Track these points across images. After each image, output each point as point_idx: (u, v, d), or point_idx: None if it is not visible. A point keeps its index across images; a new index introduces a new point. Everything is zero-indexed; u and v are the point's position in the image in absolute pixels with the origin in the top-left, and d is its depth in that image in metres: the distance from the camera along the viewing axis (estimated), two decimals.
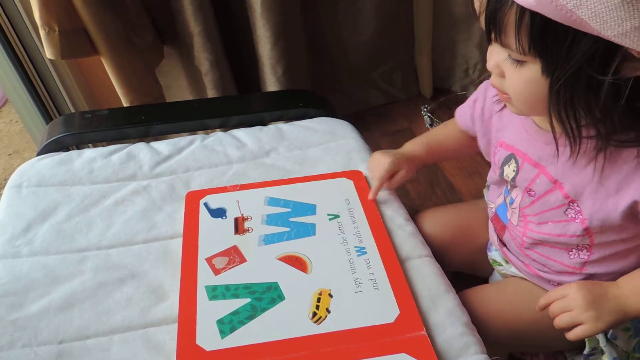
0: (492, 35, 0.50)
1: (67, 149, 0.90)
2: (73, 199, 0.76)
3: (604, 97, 0.47)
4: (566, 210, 0.59)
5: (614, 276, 0.60)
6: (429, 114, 1.44)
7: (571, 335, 0.57)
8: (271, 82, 1.24)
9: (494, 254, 0.75)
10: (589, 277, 0.62)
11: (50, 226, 0.71)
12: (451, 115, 0.79)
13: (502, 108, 0.65)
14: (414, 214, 0.79)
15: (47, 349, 0.57)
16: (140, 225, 0.72)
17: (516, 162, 0.63)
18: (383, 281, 0.62)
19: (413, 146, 0.79)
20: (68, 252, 0.68)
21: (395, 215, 0.72)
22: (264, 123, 0.93)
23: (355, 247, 0.66)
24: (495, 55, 0.53)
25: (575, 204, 0.58)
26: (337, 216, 0.71)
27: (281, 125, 0.91)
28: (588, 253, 0.61)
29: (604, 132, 0.51)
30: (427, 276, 0.63)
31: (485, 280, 0.81)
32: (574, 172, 0.57)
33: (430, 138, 0.80)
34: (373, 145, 0.85)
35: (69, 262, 0.67)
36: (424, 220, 0.79)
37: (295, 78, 1.26)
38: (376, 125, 1.45)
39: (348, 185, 0.76)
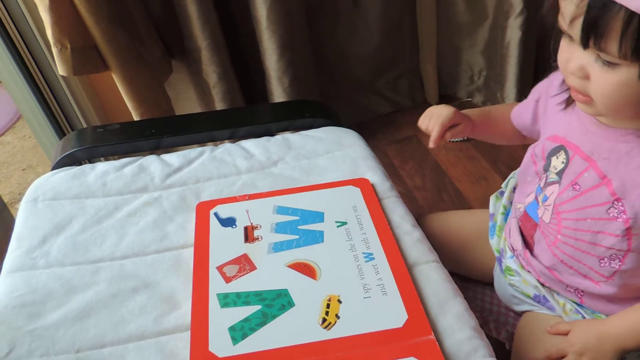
0: (590, 40, 0.49)
1: (80, 163, 0.92)
2: (87, 211, 0.78)
3: None
4: (609, 208, 0.58)
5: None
6: None
7: None
8: (278, 93, 1.26)
9: (509, 262, 0.74)
10: (616, 287, 0.62)
11: (65, 238, 0.73)
12: None
13: (565, 108, 0.64)
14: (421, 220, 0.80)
15: (64, 357, 0.58)
16: (153, 236, 0.73)
17: (566, 154, 0.62)
18: (391, 287, 0.63)
19: (469, 111, 0.79)
20: (83, 263, 0.70)
21: (402, 221, 0.73)
22: (271, 133, 0.95)
23: (363, 253, 0.67)
24: (579, 58, 0.52)
25: (620, 203, 0.57)
26: (344, 223, 0.72)
27: (288, 136, 0.92)
28: (620, 263, 0.60)
29: None
30: (435, 281, 0.64)
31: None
32: (627, 170, 0.56)
33: (485, 111, 0.80)
34: (380, 153, 0.86)
35: (84, 272, 0.68)
36: (432, 222, 0.80)
37: (302, 88, 1.28)
38: (383, 133, 1.46)
39: (355, 192, 0.77)
